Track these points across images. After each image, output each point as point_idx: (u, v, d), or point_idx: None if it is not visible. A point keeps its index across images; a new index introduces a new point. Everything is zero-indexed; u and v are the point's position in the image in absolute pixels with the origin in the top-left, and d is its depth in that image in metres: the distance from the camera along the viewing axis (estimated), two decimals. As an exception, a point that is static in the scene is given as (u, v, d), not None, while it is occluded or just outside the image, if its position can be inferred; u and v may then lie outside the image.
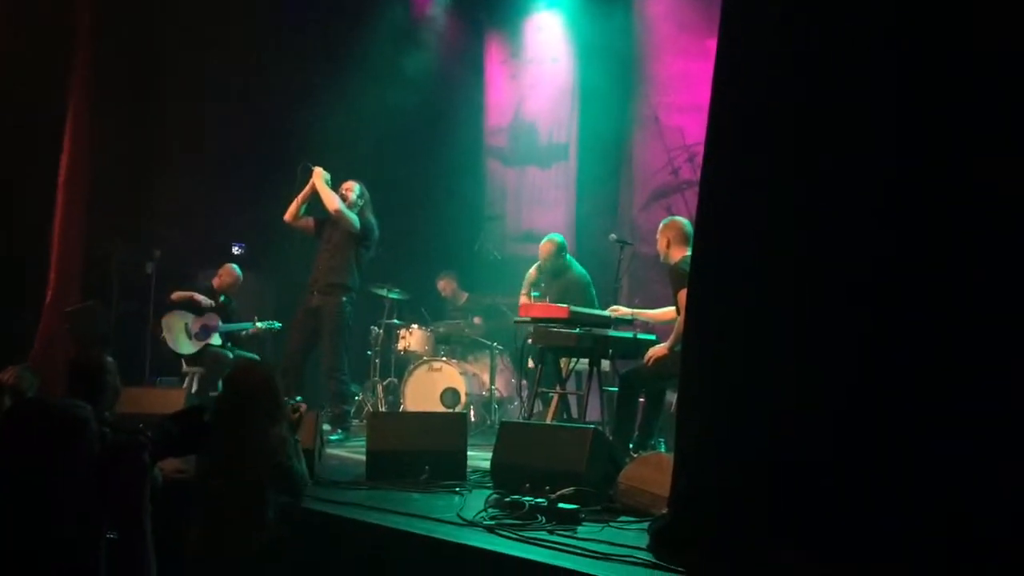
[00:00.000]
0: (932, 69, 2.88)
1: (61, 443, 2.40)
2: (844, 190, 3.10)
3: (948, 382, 2.78)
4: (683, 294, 5.41)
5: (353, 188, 7.44)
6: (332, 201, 7.28)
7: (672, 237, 5.98)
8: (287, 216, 7.51)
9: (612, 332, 6.16)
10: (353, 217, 7.32)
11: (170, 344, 8.31)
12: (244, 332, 8.40)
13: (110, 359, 4.27)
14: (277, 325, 8.28)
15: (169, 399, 5.99)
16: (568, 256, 7.72)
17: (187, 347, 8.27)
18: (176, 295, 8.34)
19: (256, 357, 8.13)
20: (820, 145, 3.18)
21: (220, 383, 4.73)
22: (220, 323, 8.30)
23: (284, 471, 3.86)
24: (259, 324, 8.29)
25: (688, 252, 5.93)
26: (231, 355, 8.15)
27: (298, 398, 4.35)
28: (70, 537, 2.40)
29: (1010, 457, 2.63)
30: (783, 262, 3.27)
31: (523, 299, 7.42)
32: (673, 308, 5.97)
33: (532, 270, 7.65)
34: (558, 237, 7.70)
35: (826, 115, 3.17)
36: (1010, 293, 2.69)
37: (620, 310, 6.33)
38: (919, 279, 2.89)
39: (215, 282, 8.55)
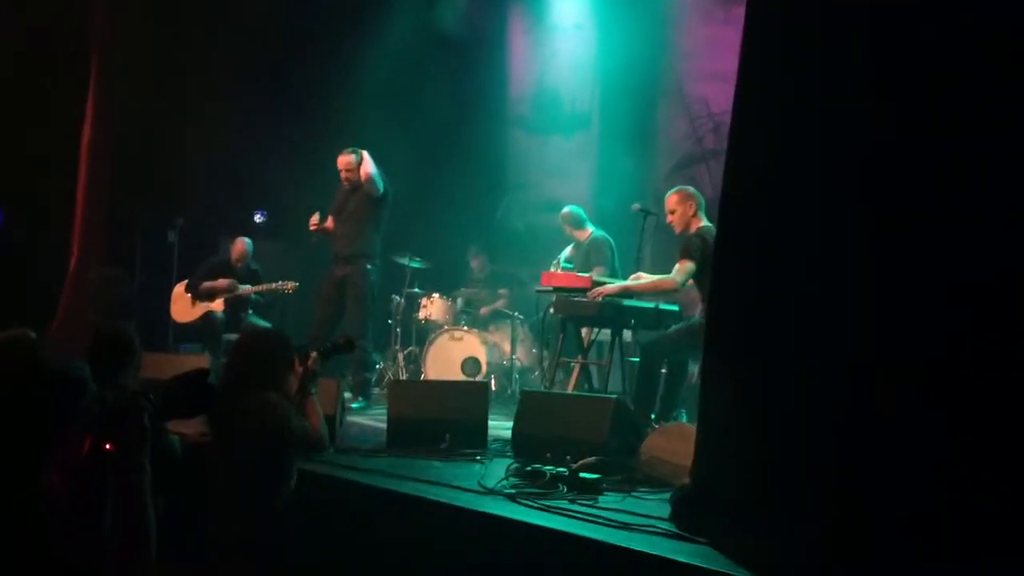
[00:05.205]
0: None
1: (60, 404, 2.40)
2: (860, 189, 3.08)
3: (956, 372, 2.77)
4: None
5: (366, 155, 7.36)
6: (366, 167, 7.24)
7: (696, 205, 5.99)
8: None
9: (634, 302, 6.12)
10: (380, 182, 7.28)
11: (171, 313, 8.37)
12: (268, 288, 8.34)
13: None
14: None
15: (191, 365, 6.00)
16: (588, 223, 7.88)
17: (183, 315, 8.31)
18: (205, 286, 8.32)
19: (267, 324, 8.12)
20: (843, 148, 3.14)
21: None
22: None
23: (282, 433, 3.84)
24: (274, 285, 8.25)
25: (703, 223, 5.91)
26: (222, 316, 8.18)
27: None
28: (70, 499, 2.41)
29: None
30: (802, 247, 3.25)
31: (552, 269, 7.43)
32: (666, 277, 5.91)
33: (571, 248, 7.66)
34: (567, 207, 7.95)
35: (846, 121, 3.14)
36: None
37: (643, 277, 6.26)
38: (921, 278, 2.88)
39: (233, 256, 8.52)
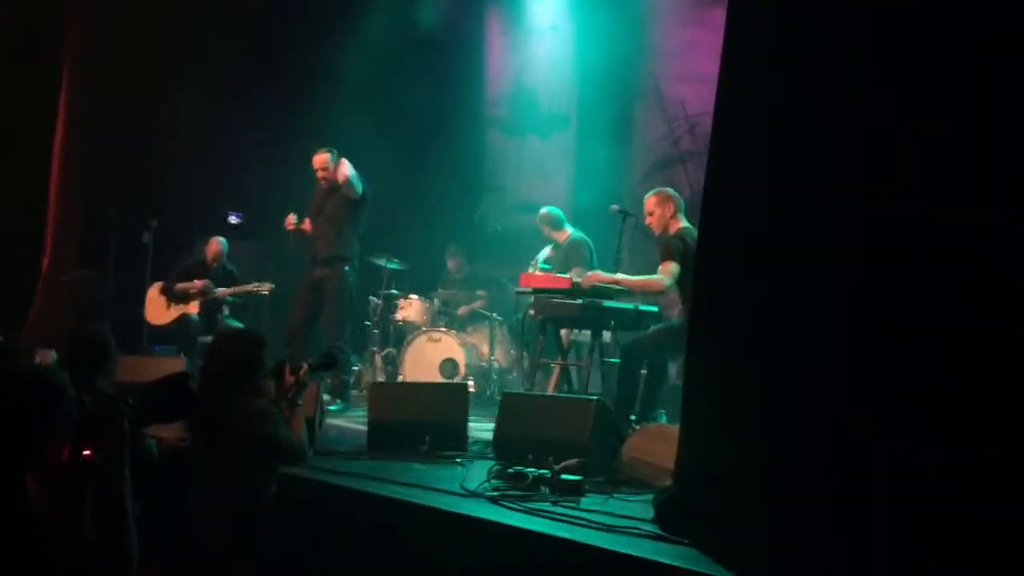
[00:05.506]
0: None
1: (38, 410, 2.35)
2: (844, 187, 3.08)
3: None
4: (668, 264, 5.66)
5: (344, 160, 7.31)
6: (344, 170, 7.18)
7: (675, 207, 6.00)
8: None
9: (614, 303, 6.11)
10: (358, 185, 7.24)
11: (146, 315, 8.28)
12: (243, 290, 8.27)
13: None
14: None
15: (166, 368, 5.94)
16: (567, 224, 7.90)
17: (158, 317, 8.24)
18: (179, 287, 8.22)
19: (240, 325, 8.06)
20: (841, 147, 3.14)
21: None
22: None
23: (269, 441, 3.80)
24: (249, 286, 8.19)
25: (683, 224, 5.92)
26: (197, 318, 8.10)
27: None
28: (50, 506, 2.37)
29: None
30: (798, 245, 3.24)
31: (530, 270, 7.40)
32: (655, 277, 5.89)
33: (549, 249, 7.65)
34: (545, 208, 7.95)
35: (832, 118, 3.14)
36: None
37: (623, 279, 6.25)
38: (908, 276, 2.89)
39: (208, 257, 8.45)
